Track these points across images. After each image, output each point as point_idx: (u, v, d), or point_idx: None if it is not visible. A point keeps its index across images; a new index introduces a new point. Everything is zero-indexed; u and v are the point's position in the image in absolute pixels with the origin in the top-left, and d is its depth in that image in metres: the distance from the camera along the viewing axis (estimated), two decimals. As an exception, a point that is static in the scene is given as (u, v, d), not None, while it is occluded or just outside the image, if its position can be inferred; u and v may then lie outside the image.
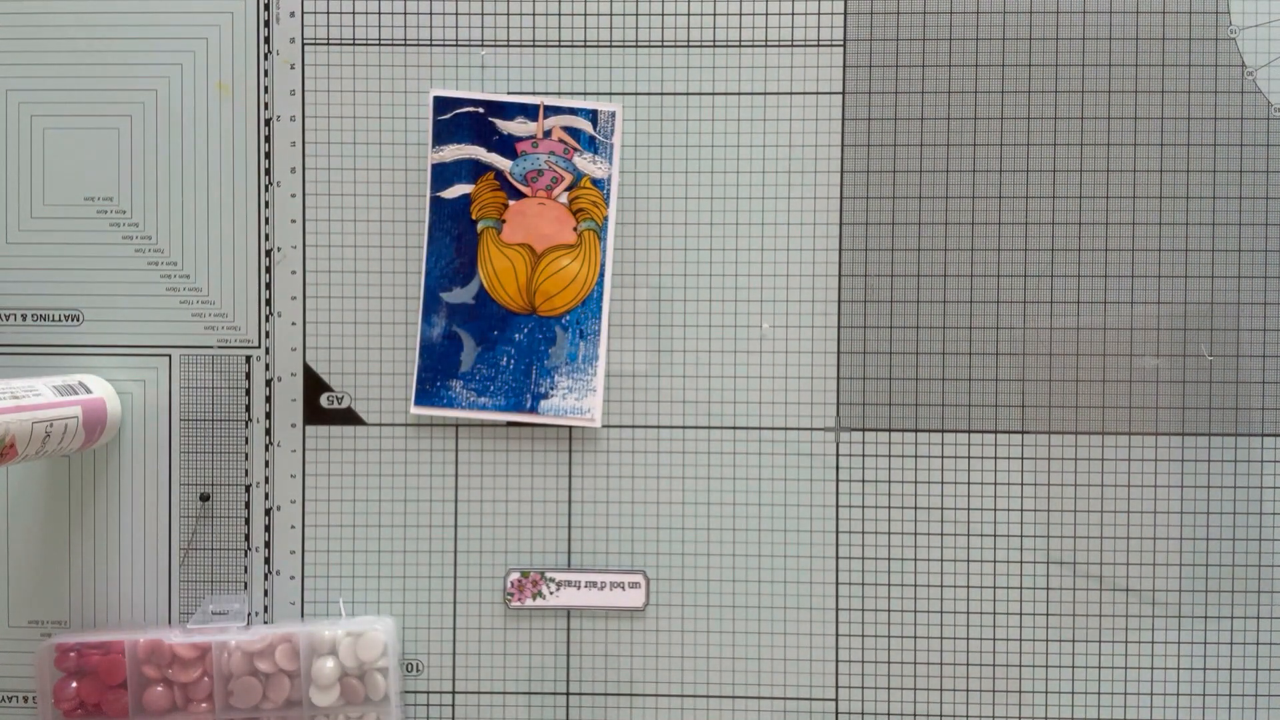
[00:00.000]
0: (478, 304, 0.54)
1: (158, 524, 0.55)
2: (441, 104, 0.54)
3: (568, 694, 0.55)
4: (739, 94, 0.54)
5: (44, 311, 0.55)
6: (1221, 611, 0.54)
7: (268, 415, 0.55)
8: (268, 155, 0.55)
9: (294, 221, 0.55)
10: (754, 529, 0.54)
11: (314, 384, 0.55)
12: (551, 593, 0.54)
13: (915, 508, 0.54)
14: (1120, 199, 0.54)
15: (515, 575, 0.55)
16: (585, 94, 0.54)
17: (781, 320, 0.54)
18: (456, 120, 0.54)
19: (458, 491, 0.55)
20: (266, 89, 0.55)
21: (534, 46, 0.54)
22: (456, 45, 0.55)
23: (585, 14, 0.54)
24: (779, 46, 0.54)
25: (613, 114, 0.54)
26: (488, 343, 0.54)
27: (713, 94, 0.54)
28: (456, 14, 0.54)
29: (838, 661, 0.54)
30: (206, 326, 0.55)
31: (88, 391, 0.52)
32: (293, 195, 0.55)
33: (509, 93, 0.54)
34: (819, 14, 0.54)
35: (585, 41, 0.54)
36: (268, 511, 0.55)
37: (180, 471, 0.55)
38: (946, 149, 0.54)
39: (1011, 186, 0.54)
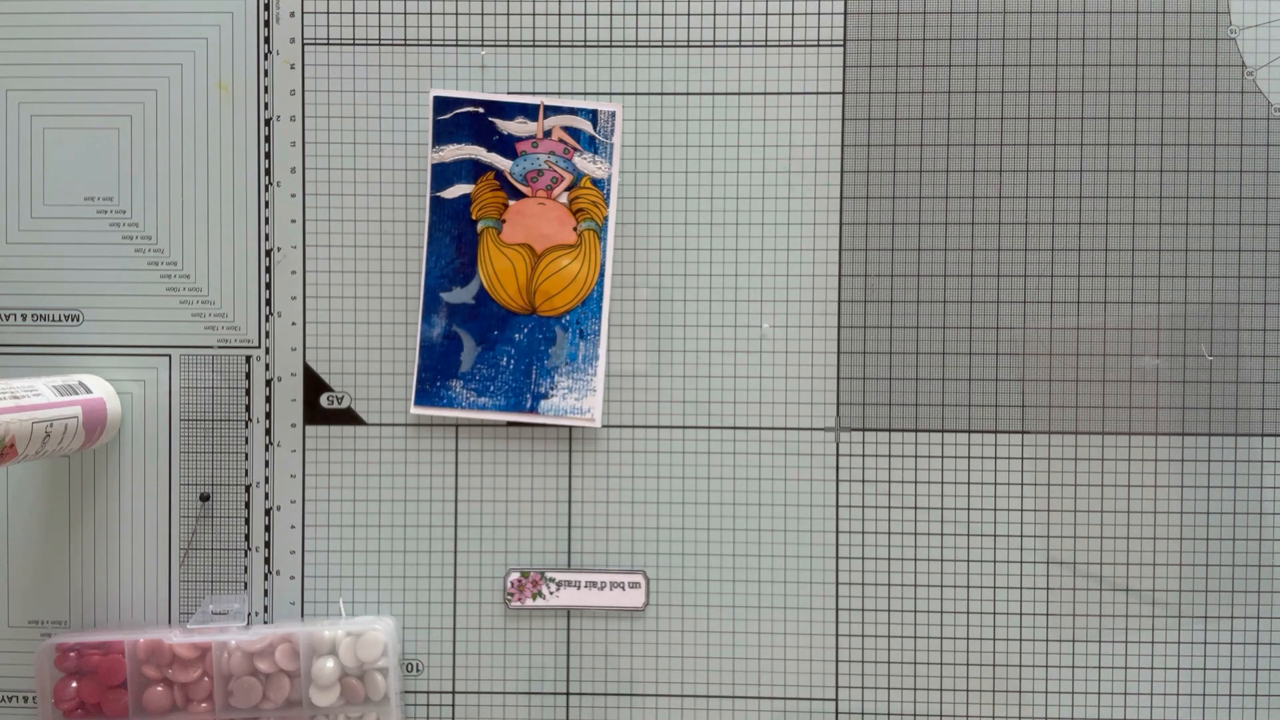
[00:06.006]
0: (478, 304, 0.54)
1: (158, 524, 0.55)
2: (441, 104, 0.54)
3: (568, 694, 0.55)
4: (739, 94, 0.54)
5: (44, 311, 0.55)
6: (1221, 611, 0.54)
7: (268, 415, 0.55)
8: (268, 155, 0.55)
9: (294, 221, 0.55)
10: (754, 529, 0.54)
11: (314, 384, 0.55)
12: (551, 593, 0.54)
13: (915, 508, 0.54)
14: (1120, 199, 0.54)
15: (515, 575, 0.55)
16: (585, 94, 0.54)
17: (781, 320, 0.54)
18: (456, 120, 0.54)
19: (458, 491, 0.55)
20: (266, 89, 0.55)
21: (534, 46, 0.54)
22: (456, 45, 0.54)
23: (585, 14, 0.54)
24: (779, 46, 0.54)
25: (613, 114, 0.54)
26: (488, 343, 0.54)
27: (713, 94, 0.54)
28: (456, 14, 0.54)
29: (838, 661, 0.54)
30: (206, 326, 0.55)
31: (88, 391, 0.52)
32: (293, 195, 0.55)
33: (509, 93, 0.54)
34: (819, 14, 0.54)
35: (585, 41, 0.54)
36: (268, 511, 0.55)
37: (180, 471, 0.55)
38: (946, 149, 0.54)
39: (1011, 186, 0.54)
